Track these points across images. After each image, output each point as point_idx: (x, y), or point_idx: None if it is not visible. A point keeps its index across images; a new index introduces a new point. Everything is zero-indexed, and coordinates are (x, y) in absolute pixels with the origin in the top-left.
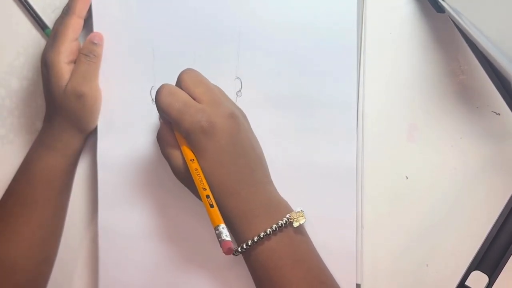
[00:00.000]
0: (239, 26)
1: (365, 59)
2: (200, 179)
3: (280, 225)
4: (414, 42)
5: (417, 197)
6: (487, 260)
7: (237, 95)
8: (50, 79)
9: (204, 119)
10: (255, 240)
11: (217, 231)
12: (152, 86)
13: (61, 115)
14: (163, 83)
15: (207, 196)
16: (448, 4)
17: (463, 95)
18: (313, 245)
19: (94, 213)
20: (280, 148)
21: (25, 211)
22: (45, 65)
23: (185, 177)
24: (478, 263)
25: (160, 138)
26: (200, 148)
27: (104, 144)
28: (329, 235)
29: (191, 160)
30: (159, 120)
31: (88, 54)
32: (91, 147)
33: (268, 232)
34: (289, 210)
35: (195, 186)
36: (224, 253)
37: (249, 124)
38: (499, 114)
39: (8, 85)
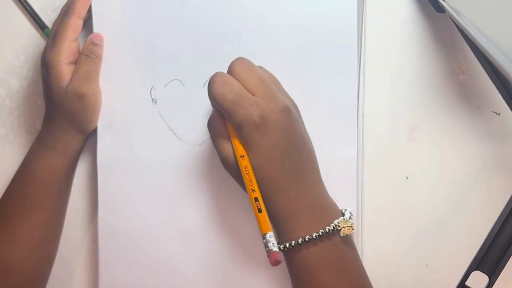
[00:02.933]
0: (239, 26)
1: (365, 59)
2: (249, 178)
3: (327, 231)
4: (414, 42)
5: (417, 197)
6: (487, 260)
7: None
8: (50, 79)
9: (257, 113)
10: (299, 242)
11: (264, 240)
12: (152, 86)
13: (61, 115)
14: (163, 83)
15: (256, 199)
16: (448, 4)
17: (463, 95)
18: (358, 255)
19: (94, 213)
20: None
21: (24, 211)
22: (45, 66)
23: (234, 170)
24: (478, 263)
25: (211, 127)
26: (251, 142)
27: (104, 144)
28: None
29: (241, 156)
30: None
31: (89, 54)
32: (91, 147)
33: (314, 237)
34: (338, 213)
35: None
36: (271, 264)
37: (301, 118)
38: (499, 114)
39: (8, 85)
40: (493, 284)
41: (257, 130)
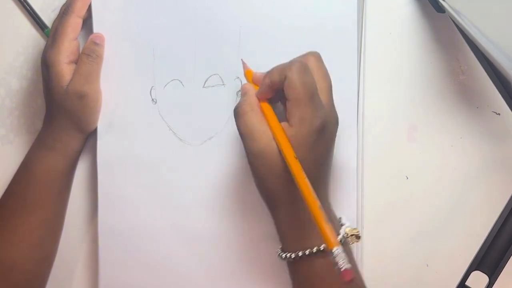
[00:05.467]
0: (240, 26)
1: (365, 59)
2: (307, 188)
3: (340, 240)
4: (414, 42)
5: (417, 197)
6: (487, 260)
7: (237, 95)
8: (50, 79)
9: (322, 117)
10: (307, 253)
11: (334, 256)
12: (152, 86)
13: (61, 115)
14: (163, 83)
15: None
16: (448, 4)
17: (463, 95)
18: (358, 271)
19: (94, 213)
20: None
21: (24, 212)
22: (45, 65)
23: (269, 167)
24: (478, 263)
25: (245, 113)
26: (304, 144)
27: (104, 144)
28: None
29: (295, 157)
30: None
31: (90, 54)
32: (91, 147)
33: (322, 249)
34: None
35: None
36: (345, 283)
37: None
38: (499, 114)
39: (8, 85)
40: (493, 284)
41: (317, 134)
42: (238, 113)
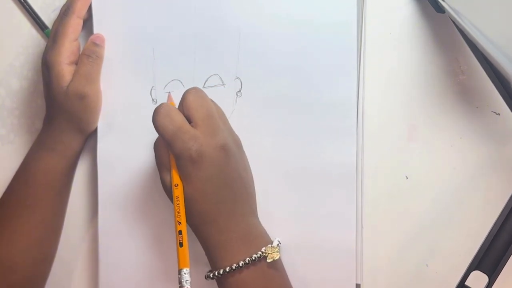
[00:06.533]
0: (239, 26)
1: (365, 59)
2: (178, 209)
3: (254, 258)
4: (414, 42)
5: (417, 197)
6: (487, 260)
7: (237, 95)
8: (51, 80)
9: (194, 147)
10: (227, 270)
11: (179, 275)
12: (152, 86)
13: (61, 116)
14: (163, 83)
15: (180, 232)
16: (448, 4)
17: (463, 95)
18: (287, 279)
19: (94, 213)
20: (280, 148)
21: (24, 212)
22: (46, 66)
23: (169, 194)
24: (478, 263)
25: (156, 149)
26: (186, 174)
27: (104, 144)
28: (329, 235)
29: (175, 185)
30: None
31: (90, 55)
32: (91, 147)
33: (241, 265)
34: (267, 243)
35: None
36: None
37: (242, 153)
38: (499, 114)
39: (8, 85)
40: (492, 284)
41: (192, 163)
42: (153, 148)
